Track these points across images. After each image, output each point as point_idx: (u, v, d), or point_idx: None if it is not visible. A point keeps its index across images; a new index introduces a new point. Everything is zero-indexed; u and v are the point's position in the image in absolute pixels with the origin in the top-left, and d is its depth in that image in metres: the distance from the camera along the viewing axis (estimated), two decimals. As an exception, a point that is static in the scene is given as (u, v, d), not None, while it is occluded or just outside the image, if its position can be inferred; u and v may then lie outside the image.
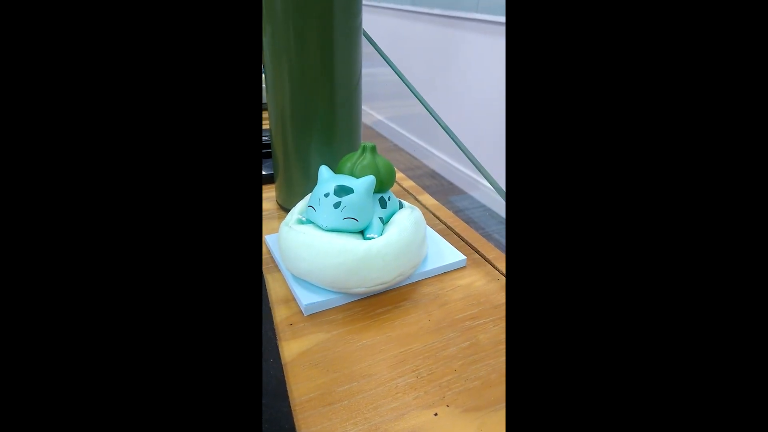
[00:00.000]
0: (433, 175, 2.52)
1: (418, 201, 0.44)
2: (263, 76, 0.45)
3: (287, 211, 0.41)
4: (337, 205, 0.28)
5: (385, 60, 0.38)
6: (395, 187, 0.48)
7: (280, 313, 0.28)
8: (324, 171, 0.30)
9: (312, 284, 0.29)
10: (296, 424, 0.21)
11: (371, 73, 3.20)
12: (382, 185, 0.31)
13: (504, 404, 0.22)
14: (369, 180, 0.29)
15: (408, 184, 0.48)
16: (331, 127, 0.36)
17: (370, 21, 3.13)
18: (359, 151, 0.31)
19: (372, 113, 3.32)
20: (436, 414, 0.22)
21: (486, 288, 0.31)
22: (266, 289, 0.30)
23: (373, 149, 0.31)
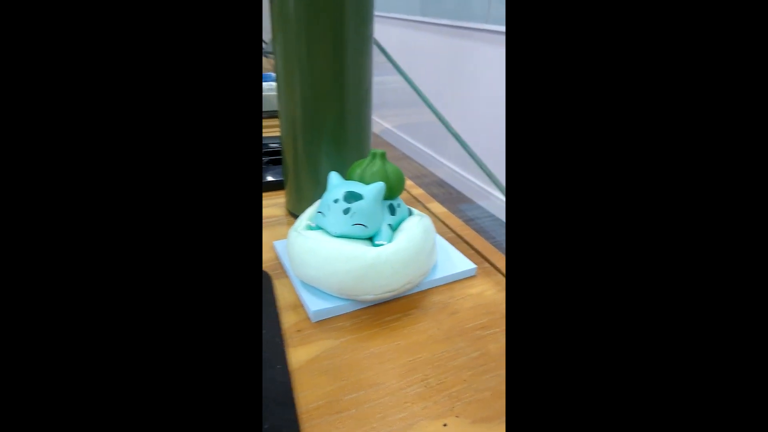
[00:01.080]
0: (441, 183, 2.52)
1: (427, 209, 0.44)
2: (275, 83, 0.45)
3: (297, 217, 0.41)
4: (346, 211, 0.28)
5: (395, 68, 0.38)
6: (404, 194, 0.48)
7: (288, 319, 0.28)
8: (333, 177, 0.29)
9: (320, 290, 0.29)
10: (303, 432, 0.21)
11: (379, 81, 3.21)
12: (392, 192, 0.30)
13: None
14: (378, 186, 0.28)
15: (417, 191, 0.48)
16: (341, 134, 0.36)
17: (379, 31, 3.15)
18: (369, 158, 0.31)
19: (380, 122, 3.33)
20: (445, 424, 0.21)
21: (496, 297, 0.31)
22: (274, 295, 0.30)
23: (383, 156, 0.31)
